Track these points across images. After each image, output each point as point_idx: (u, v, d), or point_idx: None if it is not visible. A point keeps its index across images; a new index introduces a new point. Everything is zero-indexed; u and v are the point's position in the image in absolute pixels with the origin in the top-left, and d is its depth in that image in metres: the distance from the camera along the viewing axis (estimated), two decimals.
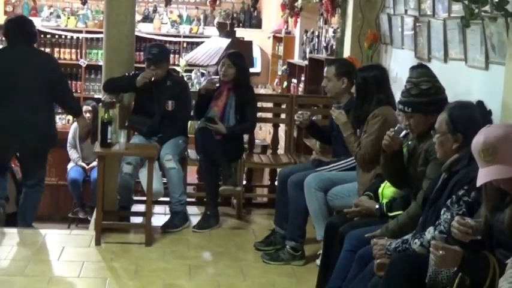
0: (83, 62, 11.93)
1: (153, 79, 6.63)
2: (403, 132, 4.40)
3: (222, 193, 6.59)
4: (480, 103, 3.95)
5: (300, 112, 6.14)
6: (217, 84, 6.77)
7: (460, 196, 3.58)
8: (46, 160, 6.89)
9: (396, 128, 4.44)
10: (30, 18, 11.49)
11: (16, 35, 6.49)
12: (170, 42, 11.86)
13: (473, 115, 3.81)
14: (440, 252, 3.15)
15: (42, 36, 11.83)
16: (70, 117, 11.99)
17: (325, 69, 5.95)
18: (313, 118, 6.61)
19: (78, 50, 12.07)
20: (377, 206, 4.58)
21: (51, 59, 6.64)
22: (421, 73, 4.30)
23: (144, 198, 6.49)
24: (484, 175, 3.16)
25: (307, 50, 9.60)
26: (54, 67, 6.59)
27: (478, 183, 3.21)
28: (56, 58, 6.72)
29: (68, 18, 12.06)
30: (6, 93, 6.30)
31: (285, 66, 10.88)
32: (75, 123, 9.60)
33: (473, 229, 3.21)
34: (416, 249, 3.72)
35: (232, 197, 7.10)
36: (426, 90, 4.23)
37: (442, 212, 3.61)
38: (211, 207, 6.68)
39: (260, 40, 12.10)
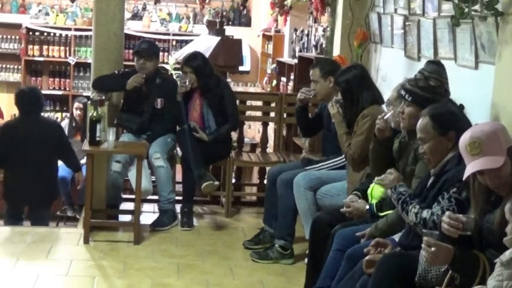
0: (72, 60, 11.89)
1: (143, 80, 6.61)
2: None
3: (204, 191, 6.55)
4: (449, 100, 4.00)
5: (307, 88, 6.05)
6: (187, 84, 6.60)
7: (451, 194, 3.59)
8: (50, 208, 7.52)
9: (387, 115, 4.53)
10: (19, 15, 11.58)
11: (28, 106, 7.08)
12: (159, 40, 11.80)
13: (453, 110, 3.87)
14: (433, 249, 3.16)
15: (30, 33, 11.80)
16: (59, 114, 11.98)
17: (311, 72, 5.94)
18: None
19: (67, 48, 12.01)
20: (367, 207, 4.58)
21: (57, 127, 7.46)
22: (435, 70, 4.27)
23: (133, 196, 6.49)
24: (472, 167, 3.19)
25: (297, 49, 9.61)
26: (60, 134, 7.30)
27: (465, 175, 3.24)
28: (60, 125, 7.67)
29: (57, 15, 12.00)
30: (18, 156, 6.95)
31: (274, 65, 10.88)
32: (64, 121, 9.58)
33: (464, 224, 3.22)
34: (409, 216, 3.76)
35: (213, 192, 6.99)
36: (433, 88, 4.20)
37: (433, 206, 3.64)
38: (188, 203, 6.70)
39: (250, 38, 12.08)
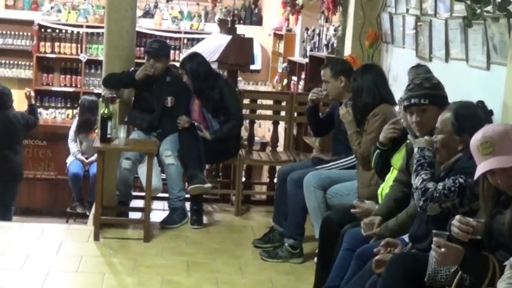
0: (83, 57, 11.91)
1: (151, 73, 6.62)
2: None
3: (190, 193, 6.58)
4: (481, 103, 3.96)
5: (318, 88, 6.04)
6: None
7: (458, 177, 3.62)
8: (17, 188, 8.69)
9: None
10: (32, 12, 11.64)
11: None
12: (171, 38, 11.81)
13: (478, 115, 3.81)
14: (442, 249, 3.15)
15: (42, 30, 11.82)
16: (70, 111, 12.02)
17: (322, 72, 5.93)
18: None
19: (79, 45, 12.02)
20: (376, 207, 4.58)
21: (23, 117, 8.56)
22: (427, 70, 4.32)
23: (143, 193, 6.50)
24: (483, 167, 3.18)
25: (308, 48, 9.60)
26: (26, 121, 8.52)
27: (477, 175, 3.23)
28: (24, 114, 8.69)
29: (69, 12, 12.02)
30: None
31: (285, 64, 10.88)
32: (77, 118, 9.64)
33: (474, 228, 3.22)
34: (417, 178, 3.80)
35: (203, 194, 6.91)
36: (437, 85, 4.20)
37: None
38: (198, 201, 6.75)
39: (261, 37, 12.08)
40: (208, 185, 6.55)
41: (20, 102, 11.64)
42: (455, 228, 3.25)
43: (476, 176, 3.25)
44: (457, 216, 3.29)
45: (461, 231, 3.23)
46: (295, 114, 7.46)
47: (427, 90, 4.16)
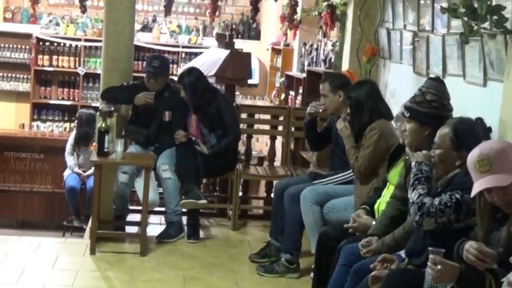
0: (81, 70, 11.91)
1: (152, 101, 6.64)
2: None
3: (182, 207, 6.57)
4: (480, 120, 3.97)
5: (317, 102, 6.04)
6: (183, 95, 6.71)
7: (454, 193, 3.63)
8: None
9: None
10: (30, 25, 11.69)
11: None
12: (169, 52, 11.82)
13: (477, 132, 3.82)
14: (439, 267, 3.14)
15: (40, 43, 11.83)
16: (67, 125, 12.01)
17: (320, 87, 5.95)
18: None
19: (77, 58, 12.01)
20: (373, 222, 4.58)
21: None
22: (432, 85, 4.29)
23: (140, 207, 6.49)
24: (479, 184, 3.18)
25: (306, 63, 9.61)
26: None
27: (473, 193, 3.22)
28: None
29: (67, 26, 12.03)
30: None
31: (283, 79, 10.88)
32: (74, 131, 9.63)
33: (491, 259, 3.12)
34: (413, 193, 3.80)
35: (199, 209, 6.83)
36: (429, 102, 4.22)
37: (435, 199, 3.70)
38: (195, 216, 6.73)
39: (259, 52, 12.10)
40: (203, 201, 6.52)
41: (17, 115, 11.67)
42: (471, 256, 3.14)
43: (473, 194, 3.25)
44: (474, 244, 3.16)
45: (479, 260, 3.13)
46: (293, 129, 7.47)
47: (414, 105, 4.25)
